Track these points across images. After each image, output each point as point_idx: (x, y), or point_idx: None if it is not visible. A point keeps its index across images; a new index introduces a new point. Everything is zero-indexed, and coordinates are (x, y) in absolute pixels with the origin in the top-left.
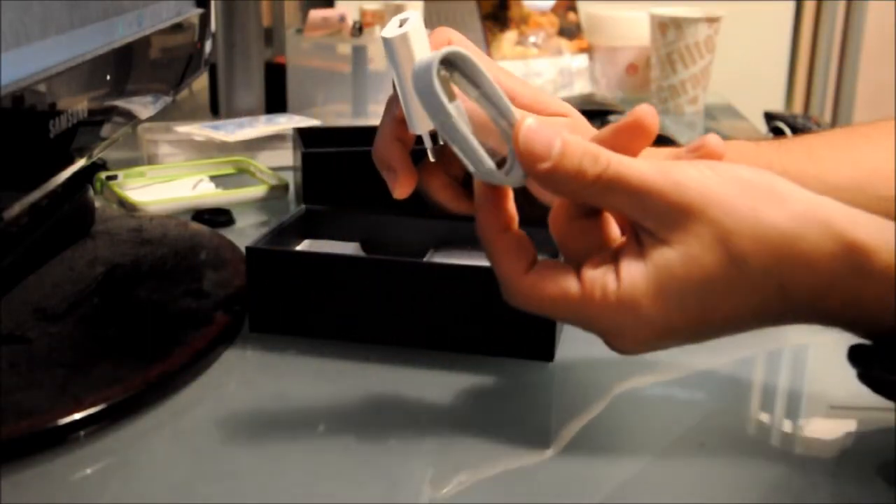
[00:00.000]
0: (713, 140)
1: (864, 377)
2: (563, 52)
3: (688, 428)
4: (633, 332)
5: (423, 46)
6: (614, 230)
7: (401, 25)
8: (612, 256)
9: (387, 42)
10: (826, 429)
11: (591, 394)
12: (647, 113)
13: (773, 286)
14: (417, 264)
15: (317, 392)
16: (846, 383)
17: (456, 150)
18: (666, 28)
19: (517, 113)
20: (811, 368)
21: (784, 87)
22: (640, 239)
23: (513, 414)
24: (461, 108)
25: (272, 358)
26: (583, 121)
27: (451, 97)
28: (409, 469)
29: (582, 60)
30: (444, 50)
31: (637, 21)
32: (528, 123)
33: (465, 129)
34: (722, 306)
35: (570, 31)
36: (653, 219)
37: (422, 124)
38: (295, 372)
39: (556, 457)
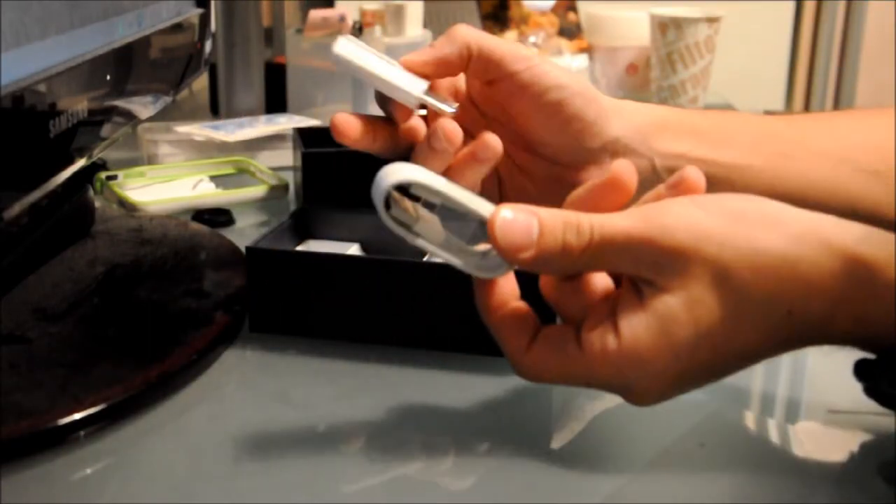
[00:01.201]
0: (692, 173)
1: (871, 391)
2: (563, 52)
3: (688, 428)
4: (643, 385)
5: (367, 53)
6: (604, 281)
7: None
8: (611, 312)
9: (338, 59)
10: (825, 431)
11: (591, 394)
12: (624, 170)
13: (779, 314)
14: (417, 264)
15: (317, 392)
16: (846, 387)
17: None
18: (666, 28)
19: (486, 209)
20: (811, 372)
21: (784, 87)
22: (639, 289)
23: (512, 414)
24: (430, 217)
25: (272, 358)
26: (586, 84)
27: (412, 220)
28: (408, 469)
29: (582, 60)
30: (388, 183)
31: (637, 21)
32: (501, 216)
33: (437, 240)
34: (733, 344)
35: (570, 31)
36: (648, 269)
37: (410, 90)
38: (295, 372)
39: (556, 457)
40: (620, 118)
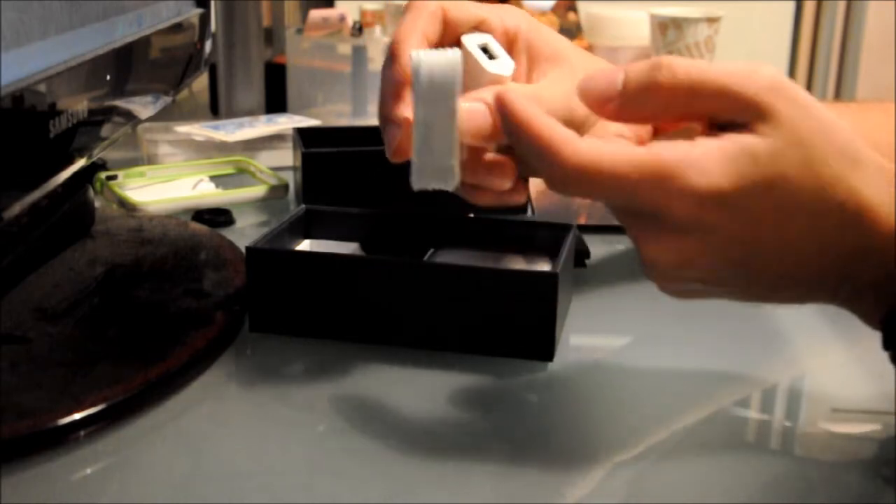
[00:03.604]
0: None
1: None
2: None
3: (688, 428)
4: (680, 216)
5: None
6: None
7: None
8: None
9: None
10: (827, 430)
11: (591, 394)
12: None
13: (834, 200)
14: (417, 264)
15: (317, 392)
16: (848, 385)
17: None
18: (666, 28)
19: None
20: (813, 370)
21: None
22: (723, 126)
23: (512, 414)
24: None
25: (272, 358)
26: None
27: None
28: (408, 469)
29: None
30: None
31: (637, 21)
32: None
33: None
34: (782, 218)
35: (570, 32)
36: (738, 114)
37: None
38: (295, 372)
39: (556, 457)
40: None
